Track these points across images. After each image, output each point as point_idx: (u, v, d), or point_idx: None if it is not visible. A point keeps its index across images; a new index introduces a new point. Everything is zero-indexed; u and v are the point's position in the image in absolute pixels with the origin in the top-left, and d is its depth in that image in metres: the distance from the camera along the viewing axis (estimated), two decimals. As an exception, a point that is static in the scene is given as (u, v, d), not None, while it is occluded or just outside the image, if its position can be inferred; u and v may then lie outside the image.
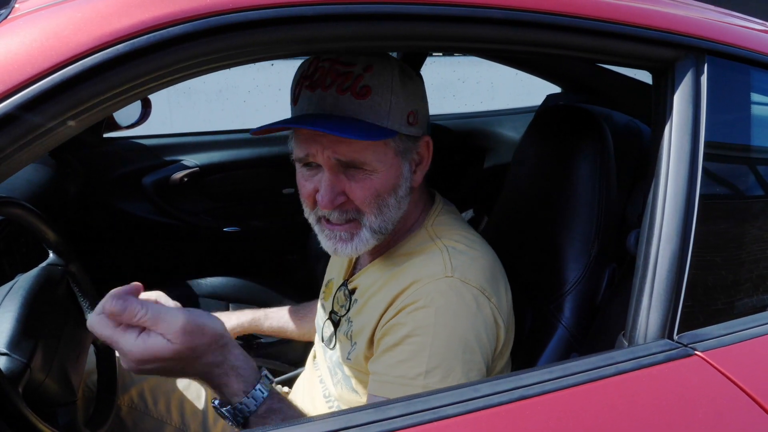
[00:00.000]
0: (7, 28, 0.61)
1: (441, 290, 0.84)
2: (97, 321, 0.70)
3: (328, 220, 0.89)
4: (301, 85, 0.88)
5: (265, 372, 0.77)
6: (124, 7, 0.61)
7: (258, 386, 0.75)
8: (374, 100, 0.84)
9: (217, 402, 0.76)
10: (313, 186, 0.88)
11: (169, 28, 0.61)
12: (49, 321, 0.98)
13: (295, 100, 0.90)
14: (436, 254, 0.88)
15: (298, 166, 0.92)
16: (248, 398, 0.74)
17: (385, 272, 0.93)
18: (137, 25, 0.61)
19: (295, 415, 0.78)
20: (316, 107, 0.85)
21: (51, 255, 1.09)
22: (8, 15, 0.64)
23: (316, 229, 0.93)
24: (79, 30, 0.59)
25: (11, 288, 0.98)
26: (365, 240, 0.89)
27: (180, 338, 0.70)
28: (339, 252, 0.90)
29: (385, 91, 0.84)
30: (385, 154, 0.86)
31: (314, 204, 0.89)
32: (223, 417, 0.76)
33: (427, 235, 0.93)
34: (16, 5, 0.66)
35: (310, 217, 0.93)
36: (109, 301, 0.70)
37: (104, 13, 0.61)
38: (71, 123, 0.62)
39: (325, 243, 0.92)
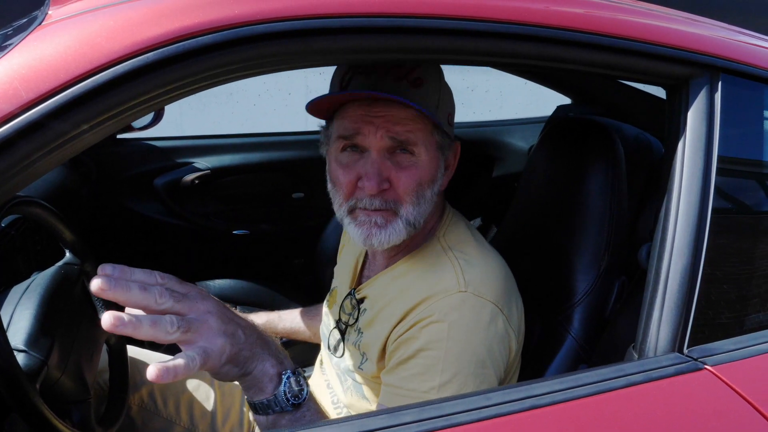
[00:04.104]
0: (41, 34, 0.63)
1: (454, 305, 0.84)
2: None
3: (365, 208, 0.87)
4: (351, 72, 0.88)
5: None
6: (155, 17, 0.63)
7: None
8: (426, 90, 0.87)
9: (284, 387, 0.72)
10: (354, 173, 0.86)
11: (198, 38, 0.63)
12: (65, 319, 0.99)
13: (344, 85, 0.88)
14: (448, 268, 0.88)
15: (335, 153, 0.89)
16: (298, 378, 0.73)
17: (397, 283, 0.93)
18: (167, 34, 0.62)
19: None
20: (373, 87, 0.86)
21: (67, 254, 1.11)
22: (42, 21, 0.66)
23: (347, 221, 0.90)
24: (111, 38, 0.61)
25: (29, 286, 1.00)
26: (398, 231, 0.87)
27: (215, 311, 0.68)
28: (372, 240, 0.87)
29: (435, 85, 0.89)
30: (430, 144, 0.88)
31: (351, 193, 0.87)
32: (291, 392, 0.72)
33: (439, 245, 0.93)
34: (50, 11, 0.68)
35: (343, 209, 0.90)
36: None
37: (135, 21, 0.63)
38: (99, 128, 0.64)
39: (357, 232, 0.88)
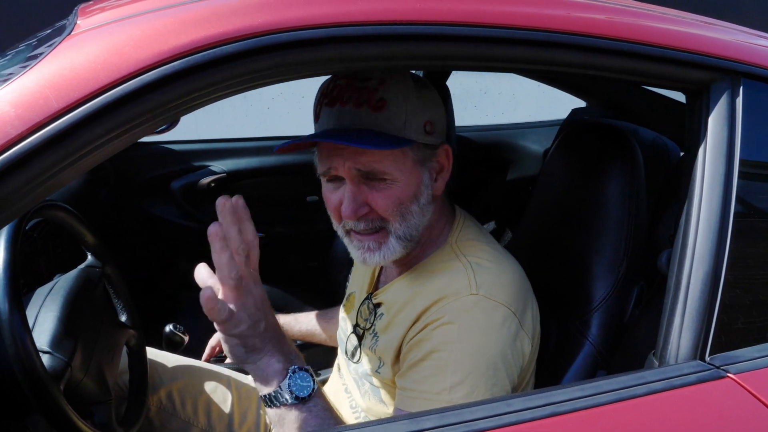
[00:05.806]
0: (70, 44, 0.65)
1: (466, 307, 0.85)
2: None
3: (356, 231, 0.91)
4: (321, 103, 0.91)
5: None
6: (181, 26, 0.64)
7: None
8: (390, 111, 0.87)
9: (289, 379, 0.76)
10: (338, 199, 0.90)
11: (222, 47, 0.64)
12: (88, 321, 1.01)
13: (316, 117, 0.93)
14: (460, 271, 0.89)
15: (323, 181, 0.94)
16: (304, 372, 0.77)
17: (411, 288, 0.94)
18: (192, 43, 0.64)
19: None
20: (336, 122, 0.88)
21: (89, 257, 1.13)
22: (72, 31, 0.67)
23: (346, 241, 0.95)
24: (139, 47, 0.62)
25: (52, 288, 1.01)
26: (393, 248, 0.90)
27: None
28: (368, 261, 0.92)
29: (401, 102, 0.87)
30: (404, 164, 0.88)
31: (341, 217, 0.91)
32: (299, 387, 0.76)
33: (452, 251, 0.94)
34: (78, 21, 0.70)
35: (339, 230, 0.95)
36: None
37: (162, 31, 0.64)
38: (126, 136, 0.65)
39: (355, 253, 0.94)
